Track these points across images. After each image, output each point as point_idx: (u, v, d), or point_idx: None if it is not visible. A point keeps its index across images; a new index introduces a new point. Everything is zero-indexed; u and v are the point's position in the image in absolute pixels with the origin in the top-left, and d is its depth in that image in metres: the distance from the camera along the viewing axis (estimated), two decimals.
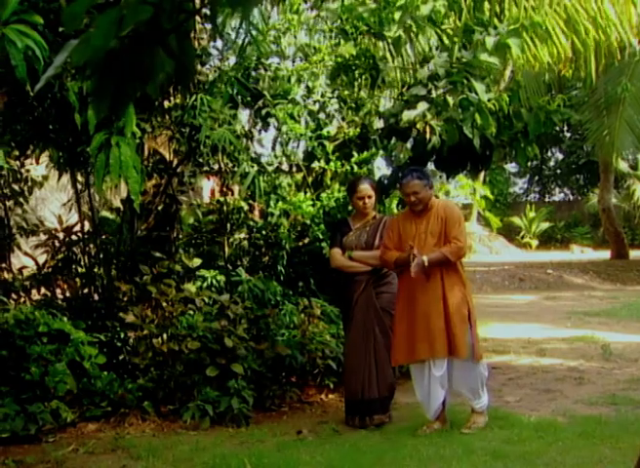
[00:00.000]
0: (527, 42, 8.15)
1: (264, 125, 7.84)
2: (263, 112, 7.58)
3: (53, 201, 11.69)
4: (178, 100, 7.69)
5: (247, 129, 8.02)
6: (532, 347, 10.33)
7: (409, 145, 7.75)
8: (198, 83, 7.64)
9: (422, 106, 7.06)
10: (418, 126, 7.30)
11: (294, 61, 8.73)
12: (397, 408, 7.00)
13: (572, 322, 12.83)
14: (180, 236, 8.76)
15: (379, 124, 8.17)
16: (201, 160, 7.66)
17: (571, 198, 39.66)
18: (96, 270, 8.16)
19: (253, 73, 7.72)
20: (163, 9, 1.73)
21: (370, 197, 6.54)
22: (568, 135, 35.61)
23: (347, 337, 6.69)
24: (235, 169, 7.52)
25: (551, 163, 40.65)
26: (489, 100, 7.00)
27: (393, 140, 7.99)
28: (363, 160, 7.71)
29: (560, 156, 39.89)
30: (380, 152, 7.92)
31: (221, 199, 8.04)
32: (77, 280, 8.28)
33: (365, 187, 6.54)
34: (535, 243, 32.17)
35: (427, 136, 7.05)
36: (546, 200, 39.31)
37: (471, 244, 27.16)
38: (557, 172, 40.00)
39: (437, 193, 10.25)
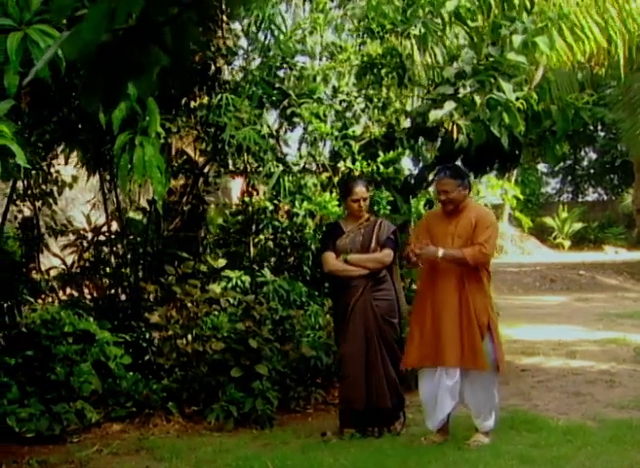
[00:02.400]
0: (558, 38, 8.02)
1: (290, 124, 7.81)
2: (289, 112, 7.53)
3: (82, 201, 11.73)
4: (204, 100, 7.68)
5: (273, 128, 7.98)
6: (562, 349, 10.18)
7: (436, 144, 7.66)
8: (224, 82, 7.62)
9: (449, 106, 6.96)
10: (445, 125, 7.22)
11: (321, 60, 8.68)
12: (423, 410, 6.91)
13: (604, 324, 12.64)
14: (208, 236, 8.76)
15: (406, 123, 8.08)
16: (226, 159, 7.63)
17: (605, 198, 39.11)
18: (123, 270, 8.17)
19: (278, 73, 7.68)
20: (155, 1, 1.68)
21: (365, 199, 6.33)
22: (602, 134, 35.12)
23: (343, 345, 6.37)
24: (260, 169, 7.48)
25: (584, 162, 40.16)
26: (517, 99, 6.89)
27: (420, 140, 7.91)
28: (389, 160, 7.63)
29: (594, 156, 39.39)
30: (407, 152, 7.82)
31: (247, 199, 8.01)
32: (104, 280, 8.30)
33: (361, 189, 6.32)
34: (567, 243, 31.73)
35: (454, 135, 6.97)
36: (579, 200, 38.77)
37: (502, 244, 26.93)
38: (590, 171, 39.49)
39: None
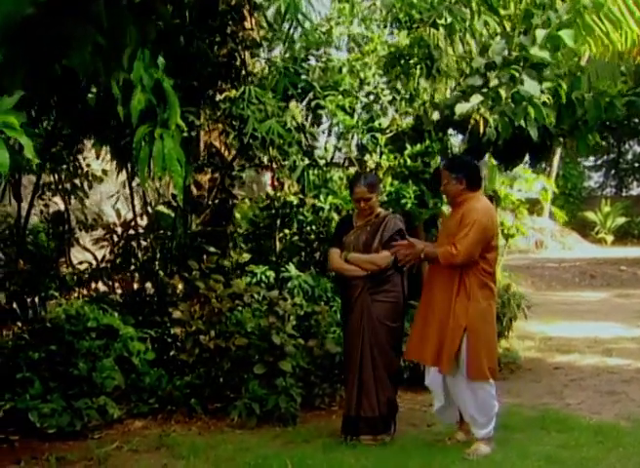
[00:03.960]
0: (593, 27, 7.78)
1: (315, 117, 7.68)
2: (313, 104, 7.41)
3: (116, 196, 11.76)
4: (231, 94, 7.58)
5: (300, 121, 7.84)
6: (598, 347, 9.95)
7: (465, 137, 7.49)
8: (247, 74, 7.52)
9: (476, 99, 6.80)
10: (473, 116, 7.04)
11: (349, 52, 8.53)
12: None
13: None
14: (239, 231, 8.67)
15: (435, 115, 7.90)
16: (250, 153, 7.51)
17: None
18: (150, 265, 8.13)
19: (303, 64, 7.53)
20: None
21: (366, 200, 5.94)
22: None
23: (344, 345, 6.23)
24: (285, 162, 7.36)
25: (629, 156, 39.45)
26: (543, 92, 6.69)
27: (449, 132, 7.75)
28: (417, 153, 7.46)
29: (638, 149, 38.69)
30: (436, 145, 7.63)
31: (271, 193, 7.91)
32: (133, 275, 8.27)
33: (360, 190, 5.94)
34: (610, 238, 31.13)
35: (481, 128, 6.79)
36: (623, 194, 38.09)
37: (542, 239, 26.51)
38: (635, 165, 38.79)
39: (499, 188, 9.91)
